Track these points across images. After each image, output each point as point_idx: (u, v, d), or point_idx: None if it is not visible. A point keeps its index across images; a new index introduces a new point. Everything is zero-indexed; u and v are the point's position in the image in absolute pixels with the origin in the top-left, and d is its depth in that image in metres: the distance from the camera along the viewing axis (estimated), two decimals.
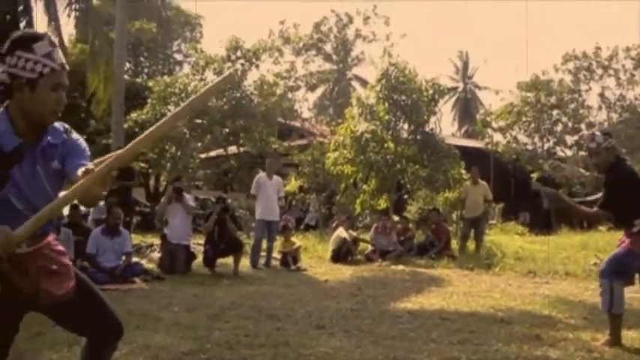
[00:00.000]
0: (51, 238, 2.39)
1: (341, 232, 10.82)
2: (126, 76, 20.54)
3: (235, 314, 5.41)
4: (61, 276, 2.33)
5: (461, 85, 46.76)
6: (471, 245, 11.62)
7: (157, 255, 9.44)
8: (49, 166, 2.25)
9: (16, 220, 2.08)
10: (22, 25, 14.67)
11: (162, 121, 2.12)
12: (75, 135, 2.34)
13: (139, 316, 5.19)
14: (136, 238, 11.41)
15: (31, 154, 2.21)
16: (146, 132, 2.10)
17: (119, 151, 2.07)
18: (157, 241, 10.30)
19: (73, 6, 15.73)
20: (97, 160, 2.17)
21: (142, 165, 21.61)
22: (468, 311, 5.84)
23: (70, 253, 7.50)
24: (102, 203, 10.47)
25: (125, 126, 17.23)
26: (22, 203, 2.19)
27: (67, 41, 24.32)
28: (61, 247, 2.44)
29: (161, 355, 3.88)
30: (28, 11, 15.17)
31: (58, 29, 15.69)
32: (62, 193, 2.10)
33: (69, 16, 15.79)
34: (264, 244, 9.80)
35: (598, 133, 4.63)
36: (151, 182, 24.51)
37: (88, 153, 2.34)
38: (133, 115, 18.22)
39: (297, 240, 10.87)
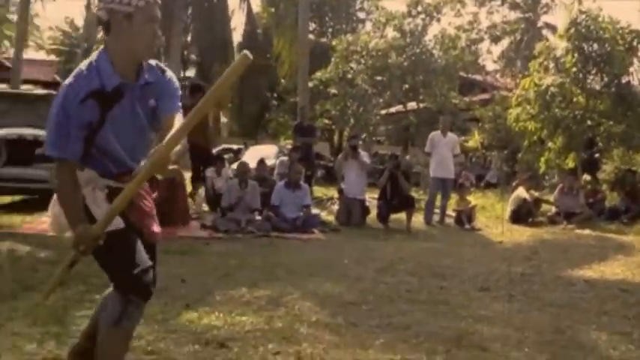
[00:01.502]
0: None
1: (521, 192, 10.37)
2: (311, 36, 21.37)
3: (402, 269, 5.57)
4: (153, 217, 2.42)
5: None
6: None
7: (335, 207, 9.96)
8: (147, 104, 2.30)
9: (115, 162, 2.25)
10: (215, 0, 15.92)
11: (193, 113, 2.04)
12: (168, 73, 2.36)
13: (313, 264, 5.62)
14: (319, 191, 12.09)
15: (131, 92, 2.25)
16: (182, 124, 2.09)
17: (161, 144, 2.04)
18: (337, 194, 10.84)
19: None
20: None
21: (326, 122, 22.61)
22: None
23: (258, 203, 8.28)
24: (286, 158, 11.28)
25: (310, 84, 18.06)
26: (122, 142, 2.27)
27: (255, 6, 25.99)
28: (148, 189, 2.46)
29: (327, 302, 4.20)
30: None
31: None
32: (135, 179, 2.11)
33: None
34: (439, 201, 9.81)
35: None
36: (335, 137, 25.54)
37: (179, 93, 2.37)
38: (318, 74, 18.99)
39: (476, 198, 10.67)
